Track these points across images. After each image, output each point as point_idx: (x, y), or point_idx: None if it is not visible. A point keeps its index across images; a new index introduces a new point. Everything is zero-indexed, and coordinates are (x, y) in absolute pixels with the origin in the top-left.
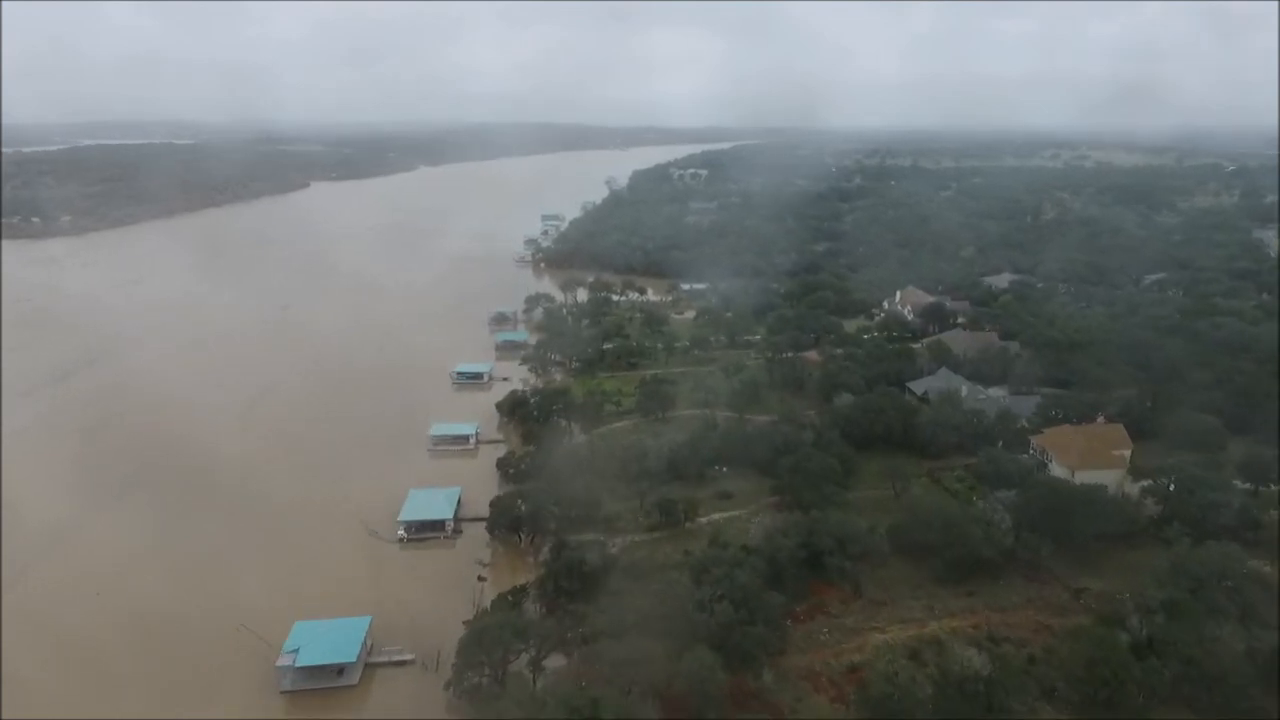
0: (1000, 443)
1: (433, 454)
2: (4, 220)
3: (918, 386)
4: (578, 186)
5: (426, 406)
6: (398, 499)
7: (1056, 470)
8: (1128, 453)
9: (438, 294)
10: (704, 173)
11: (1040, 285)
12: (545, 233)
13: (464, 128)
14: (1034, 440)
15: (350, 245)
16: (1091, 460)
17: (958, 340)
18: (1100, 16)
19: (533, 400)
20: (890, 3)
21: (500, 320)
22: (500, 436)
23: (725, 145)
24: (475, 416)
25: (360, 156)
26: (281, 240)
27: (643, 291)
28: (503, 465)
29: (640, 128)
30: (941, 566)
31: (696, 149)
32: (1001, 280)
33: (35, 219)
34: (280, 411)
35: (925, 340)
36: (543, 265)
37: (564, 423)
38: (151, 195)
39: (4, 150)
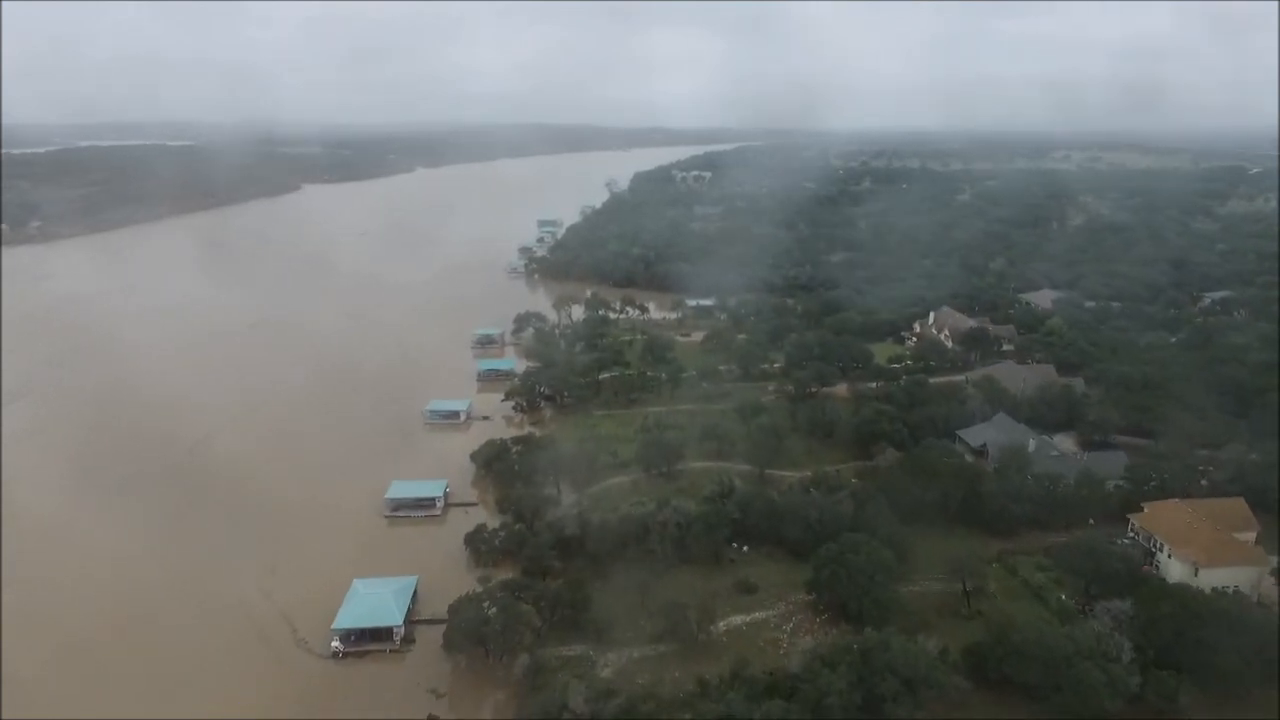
0: (1090, 520)
1: (391, 522)
2: None
3: (972, 436)
4: (577, 188)
5: (390, 455)
6: (338, 590)
7: (1172, 567)
8: (1253, 536)
9: (419, 309)
10: (707, 175)
11: (1090, 305)
12: (541, 240)
13: (464, 128)
14: (1134, 520)
15: (333, 253)
16: (1220, 554)
17: (1009, 375)
18: (1100, 17)
19: (514, 451)
20: (891, 3)
21: (485, 343)
22: (475, 496)
23: (728, 146)
24: (446, 468)
25: (357, 158)
26: (262, 248)
27: (644, 309)
28: (473, 542)
29: (642, 129)
30: (1044, 713)
31: (699, 150)
32: (1042, 298)
33: (3, 225)
34: (219, 460)
35: (970, 374)
36: (537, 276)
37: (551, 478)
38: (134, 199)
39: None
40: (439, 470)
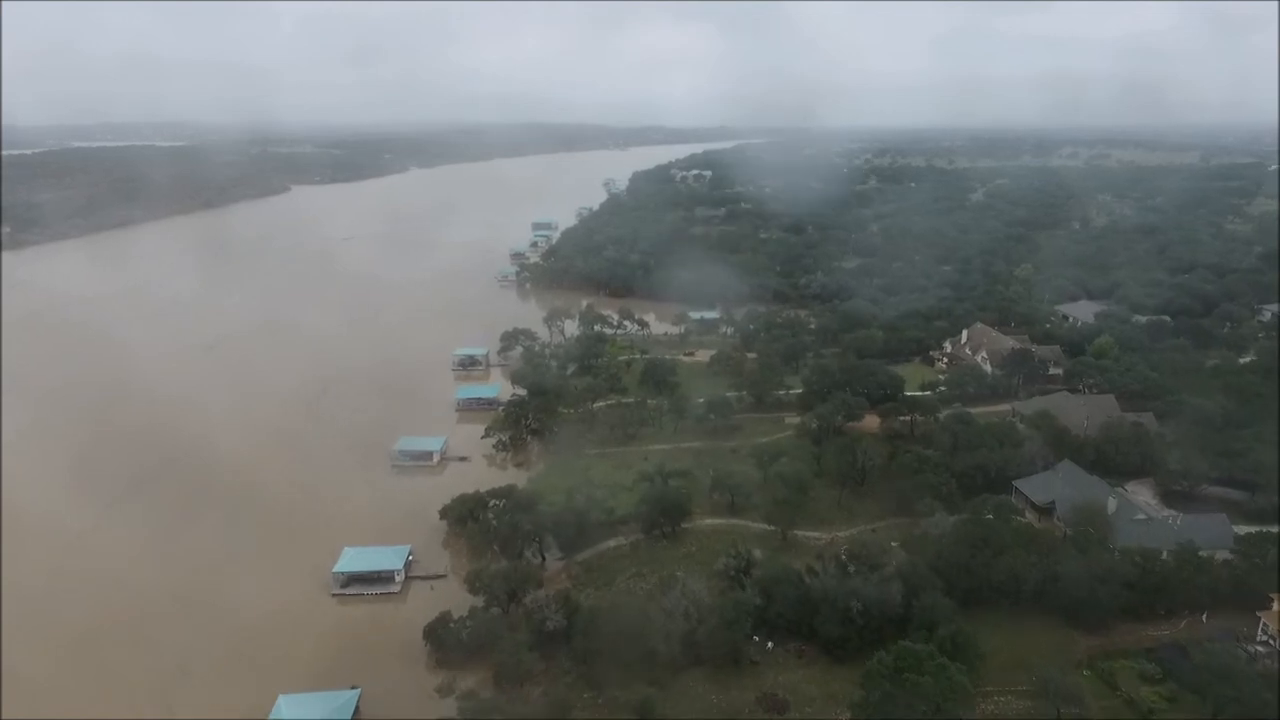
0: (1201, 611)
1: (339, 600)
2: None
3: (1033, 489)
4: (573, 188)
5: (348, 508)
6: (260, 705)
7: None
8: None
9: (398, 323)
10: (708, 174)
11: (1142, 320)
12: (535, 245)
13: (462, 128)
14: (1264, 619)
15: (313, 261)
16: None
17: (1066, 408)
18: (1100, 16)
19: (491, 507)
20: (891, 2)
21: (468, 364)
22: (444, 562)
23: (727, 144)
24: (412, 525)
25: (351, 158)
26: (238, 256)
27: (644, 324)
28: (434, 636)
29: (640, 127)
30: None
31: (698, 148)
32: (1082, 310)
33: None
34: (147, 515)
35: (1017, 404)
36: (529, 285)
37: (534, 542)
38: (114, 203)
39: None
40: (404, 526)
